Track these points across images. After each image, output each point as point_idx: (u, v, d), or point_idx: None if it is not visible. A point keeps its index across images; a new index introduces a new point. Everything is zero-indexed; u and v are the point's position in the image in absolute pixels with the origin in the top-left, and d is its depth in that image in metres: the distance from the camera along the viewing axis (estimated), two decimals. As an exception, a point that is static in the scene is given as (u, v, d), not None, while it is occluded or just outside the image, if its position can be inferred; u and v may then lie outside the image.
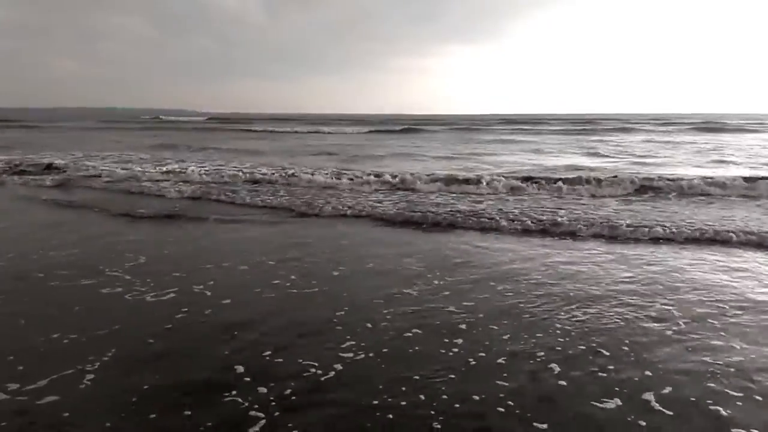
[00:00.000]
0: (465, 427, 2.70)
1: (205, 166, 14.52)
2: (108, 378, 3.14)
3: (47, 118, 69.52)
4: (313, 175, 12.07)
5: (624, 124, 48.55)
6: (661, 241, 6.56)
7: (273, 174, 12.46)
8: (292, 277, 5.07)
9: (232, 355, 3.43)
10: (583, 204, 9.17)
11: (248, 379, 3.12)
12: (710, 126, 41.85)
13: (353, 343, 3.60)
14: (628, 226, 7.09)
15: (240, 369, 3.23)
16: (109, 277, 4.96)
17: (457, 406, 2.86)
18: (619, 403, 2.88)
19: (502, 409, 2.83)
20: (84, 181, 12.22)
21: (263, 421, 2.70)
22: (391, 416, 2.76)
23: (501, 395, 2.95)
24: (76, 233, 6.87)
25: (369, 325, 3.90)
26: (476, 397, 2.93)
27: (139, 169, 13.91)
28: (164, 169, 13.88)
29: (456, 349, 3.52)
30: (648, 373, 3.20)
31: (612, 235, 6.83)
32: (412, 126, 42.24)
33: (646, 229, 6.86)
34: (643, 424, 2.70)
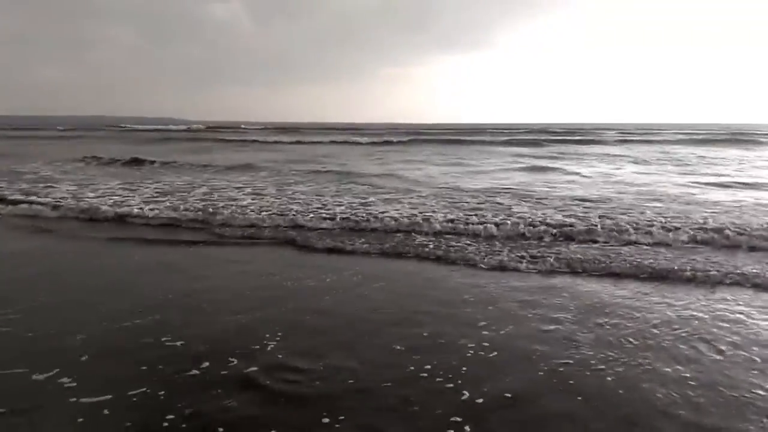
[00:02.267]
0: (599, 377, 3.39)
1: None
2: (291, 345, 3.82)
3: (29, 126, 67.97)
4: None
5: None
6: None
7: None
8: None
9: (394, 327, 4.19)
10: None
11: (417, 357, 3.62)
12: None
13: (485, 323, 4.26)
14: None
15: (401, 347, 3.79)
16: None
17: (578, 367, 3.52)
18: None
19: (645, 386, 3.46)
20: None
21: (465, 395, 3.14)
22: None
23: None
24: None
25: (490, 307, 4.65)
26: (599, 365, 3.58)
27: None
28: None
29: (556, 330, 4.19)
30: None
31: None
32: (415, 138, 41.05)
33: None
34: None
